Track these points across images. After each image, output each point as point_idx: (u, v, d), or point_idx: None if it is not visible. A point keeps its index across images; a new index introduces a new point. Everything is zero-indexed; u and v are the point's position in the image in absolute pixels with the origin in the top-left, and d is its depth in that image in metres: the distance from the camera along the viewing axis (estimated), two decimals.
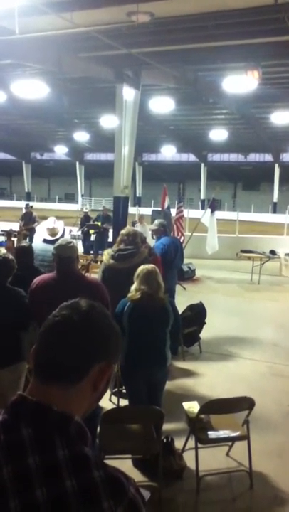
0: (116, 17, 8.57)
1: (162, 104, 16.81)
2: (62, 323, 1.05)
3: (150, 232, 7.76)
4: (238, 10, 8.58)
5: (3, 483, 0.92)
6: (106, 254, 4.94)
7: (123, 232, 5.03)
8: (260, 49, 10.37)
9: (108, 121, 19.18)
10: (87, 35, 9.59)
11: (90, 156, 43.29)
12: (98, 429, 3.44)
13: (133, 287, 3.86)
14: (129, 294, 3.85)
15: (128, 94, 12.41)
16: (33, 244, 6.01)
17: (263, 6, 8.13)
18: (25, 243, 5.79)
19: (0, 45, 9.55)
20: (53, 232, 5.79)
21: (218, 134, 27.26)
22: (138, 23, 8.19)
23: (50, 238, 5.63)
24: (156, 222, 7.40)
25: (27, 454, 0.93)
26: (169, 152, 36.55)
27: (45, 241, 5.63)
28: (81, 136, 30.93)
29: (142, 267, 3.94)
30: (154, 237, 7.19)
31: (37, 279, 3.77)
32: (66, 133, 32.15)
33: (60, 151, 39.35)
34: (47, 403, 0.98)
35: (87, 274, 7.99)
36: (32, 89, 13.56)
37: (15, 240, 12.37)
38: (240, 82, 11.61)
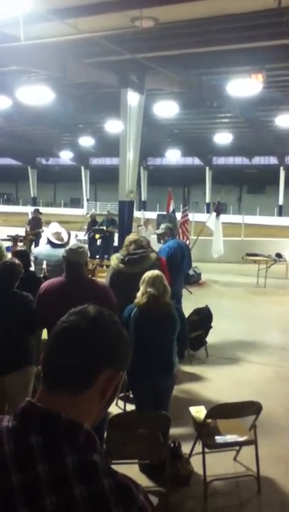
0: (120, 23, 8.62)
1: (167, 109, 16.83)
2: (70, 330, 1.05)
3: (155, 237, 7.76)
4: (241, 14, 8.59)
5: (13, 491, 0.91)
6: (115, 259, 4.93)
7: (130, 238, 5.04)
8: (264, 52, 10.37)
9: (113, 126, 19.24)
10: (92, 41, 9.64)
11: (95, 161, 43.45)
12: (105, 434, 3.44)
13: (139, 292, 3.86)
14: (136, 300, 3.85)
15: (132, 99, 12.45)
16: (38, 249, 6.04)
17: (266, 9, 8.14)
18: (21, 247, 5.83)
19: (5, 51, 9.62)
20: (59, 236, 5.81)
21: (223, 138, 27.26)
22: (142, 28, 8.23)
23: (57, 242, 5.65)
24: (163, 226, 7.39)
25: (36, 462, 0.93)
26: (173, 156, 36.58)
27: (53, 245, 5.65)
28: (86, 141, 31.04)
29: (147, 272, 3.96)
30: (161, 241, 7.16)
31: (45, 284, 3.78)
32: (71, 138, 32.27)
33: (66, 156, 39.50)
34: (56, 410, 0.98)
35: (93, 279, 8.01)
36: (37, 95, 13.62)
37: (21, 245, 12.42)
38: (245, 86, 11.61)
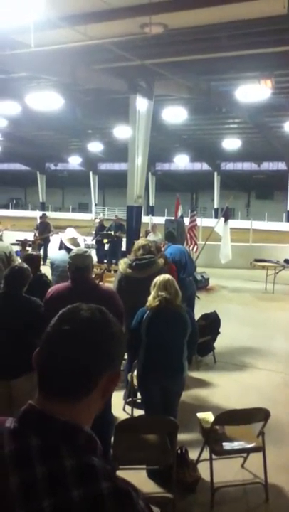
0: (129, 29, 8.67)
1: (175, 114, 16.88)
2: (64, 338, 1.03)
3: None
4: (250, 20, 8.61)
5: (10, 492, 0.91)
6: (122, 264, 4.95)
7: (139, 243, 5.05)
8: (273, 58, 10.39)
9: (121, 132, 19.32)
10: (101, 47, 9.71)
11: (103, 166, 43.59)
12: (112, 439, 3.44)
13: (151, 296, 3.89)
14: (148, 303, 3.88)
15: (141, 104, 12.51)
16: (54, 255, 6.01)
17: (275, 16, 8.16)
18: (33, 252, 5.84)
19: (16, 58, 9.73)
20: (74, 241, 5.81)
21: (231, 143, 27.26)
22: (151, 34, 8.28)
23: (73, 248, 5.65)
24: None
25: (35, 464, 0.93)
26: (182, 161, 36.61)
27: (69, 250, 5.65)
28: (95, 147, 31.18)
29: (159, 277, 3.98)
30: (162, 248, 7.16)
31: (52, 289, 3.80)
32: (80, 143, 32.45)
33: (74, 162, 39.69)
34: (56, 413, 0.98)
35: (100, 283, 8.02)
36: (46, 100, 13.74)
37: (29, 249, 12.47)
38: (254, 92, 11.64)
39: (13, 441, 0.97)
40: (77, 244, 5.69)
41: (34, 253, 5.33)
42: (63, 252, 5.66)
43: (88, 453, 0.96)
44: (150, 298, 3.88)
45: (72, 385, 1.00)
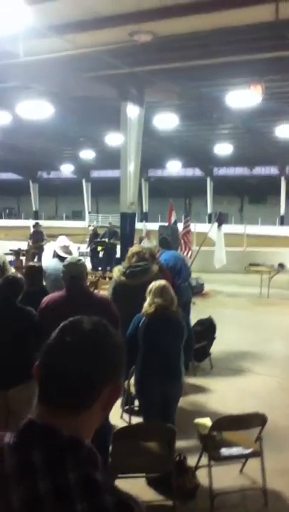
0: (118, 37, 8.71)
1: (167, 121, 16.92)
2: (65, 350, 1.02)
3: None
4: (239, 27, 8.67)
5: (13, 507, 0.90)
6: (117, 271, 4.94)
7: (133, 249, 5.04)
8: (263, 64, 10.47)
9: (113, 139, 19.34)
10: (91, 56, 9.75)
11: (96, 174, 43.62)
12: (110, 447, 3.42)
13: (146, 302, 3.89)
14: (144, 309, 3.88)
15: (132, 111, 12.55)
16: (46, 263, 5.99)
17: (264, 22, 8.22)
18: (35, 262, 5.79)
19: (5, 68, 9.75)
20: (67, 250, 5.80)
21: (223, 148, 27.36)
22: (140, 42, 8.32)
23: (66, 256, 5.63)
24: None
25: (37, 479, 0.92)
26: (174, 167, 36.70)
27: (61, 259, 5.63)
28: (87, 154, 31.21)
29: (154, 283, 3.98)
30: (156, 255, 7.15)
31: (46, 298, 3.78)
32: (72, 151, 32.46)
33: (67, 170, 39.70)
34: (57, 427, 0.97)
35: (96, 291, 8.00)
36: (37, 109, 13.74)
37: (23, 258, 12.44)
38: (244, 97, 11.70)
39: (15, 457, 0.95)
40: (69, 252, 5.68)
41: (36, 264, 5.27)
42: (55, 260, 5.64)
43: (90, 467, 0.96)
44: (146, 304, 3.89)
45: (74, 397, 1.00)
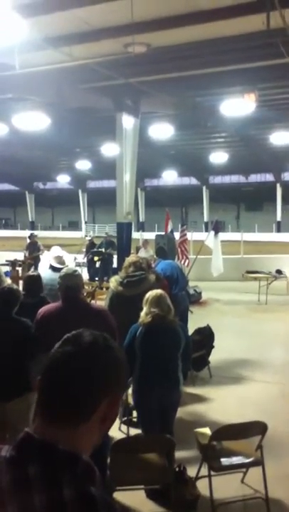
0: (113, 49, 8.79)
1: (162, 130, 17.02)
2: (66, 362, 1.03)
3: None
4: (231, 37, 8.76)
5: None
6: (114, 281, 4.93)
7: (129, 259, 5.04)
8: (256, 73, 10.56)
9: (109, 149, 19.44)
10: (86, 67, 9.81)
11: (92, 184, 43.77)
12: (108, 459, 3.39)
13: (143, 312, 3.88)
14: (140, 319, 3.87)
15: (128, 122, 12.62)
16: (42, 275, 5.98)
17: (255, 31, 8.31)
18: (33, 272, 5.77)
19: (1, 80, 9.79)
20: (60, 260, 5.80)
21: (219, 157, 27.52)
22: (135, 53, 8.39)
23: (59, 266, 5.63)
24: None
25: (33, 493, 0.92)
26: (170, 177, 36.87)
27: (55, 269, 5.62)
28: (83, 165, 31.33)
29: (150, 292, 3.96)
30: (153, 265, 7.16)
31: (42, 309, 3.77)
32: (68, 162, 32.59)
33: (63, 180, 39.82)
34: (54, 441, 0.96)
35: (92, 301, 7.98)
36: (33, 121, 13.81)
37: (19, 269, 12.41)
38: (238, 106, 11.79)
39: (11, 471, 0.95)
40: (62, 263, 5.68)
41: (35, 274, 5.25)
42: (49, 271, 5.64)
43: (87, 482, 0.95)
44: (142, 314, 3.88)
45: (72, 407, 1.00)
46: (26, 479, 0.93)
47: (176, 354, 3.88)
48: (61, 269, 5.35)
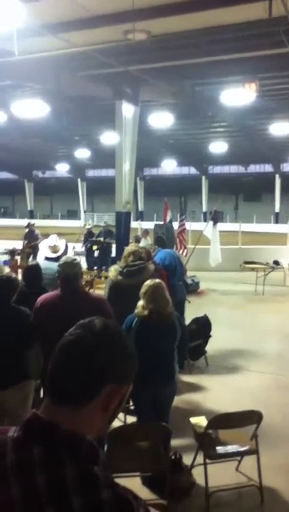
0: (113, 36, 8.71)
1: (161, 119, 16.96)
2: (75, 343, 1.06)
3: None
4: (233, 25, 8.70)
5: (13, 501, 0.92)
6: (113, 271, 4.92)
7: (129, 249, 5.04)
8: (257, 62, 10.49)
9: (108, 138, 19.36)
10: (85, 55, 9.74)
11: (91, 173, 43.59)
12: (105, 447, 3.42)
13: (140, 304, 3.85)
14: (137, 311, 3.85)
15: (127, 110, 12.55)
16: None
17: (257, 20, 8.24)
18: (33, 262, 5.78)
19: (0, 66, 9.71)
20: (54, 249, 5.81)
21: (218, 147, 27.42)
22: (135, 41, 8.32)
23: (51, 256, 5.63)
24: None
25: (36, 473, 0.94)
26: (169, 166, 36.74)
27: (47, 258, 5.63)
28: (82, 153, 31.17)
29: (147, 284, 3.91)
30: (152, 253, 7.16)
31: (41, 298, 3.78)
32: (67, 150, 32.41)
33: (62, 169, 39.65)
34: (58, 422, 0.99)
35: (91, 290, 7.99)
36: (32, 108, 13.73)
37: (18, 258, 12.41)
38: (238, 95, 11.72)
39: (16, 451, 0.98)
40: (57, 252, 5.68)
41: (34, 263, 5.23)
42: (43, 260, 5.64)
43: (90, 462, 0.97)
44: (139, 306, 3.84)
45: (72, 388, 1.02)
46: (30, 459, 0.95)
47: (171, 345, 3.88)
48: (54, 258, 5.36)
